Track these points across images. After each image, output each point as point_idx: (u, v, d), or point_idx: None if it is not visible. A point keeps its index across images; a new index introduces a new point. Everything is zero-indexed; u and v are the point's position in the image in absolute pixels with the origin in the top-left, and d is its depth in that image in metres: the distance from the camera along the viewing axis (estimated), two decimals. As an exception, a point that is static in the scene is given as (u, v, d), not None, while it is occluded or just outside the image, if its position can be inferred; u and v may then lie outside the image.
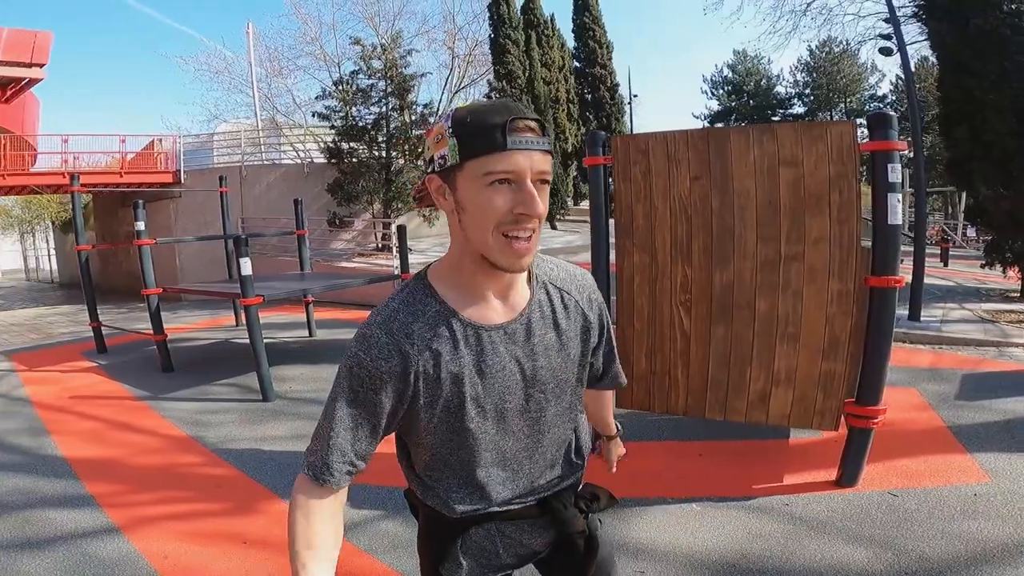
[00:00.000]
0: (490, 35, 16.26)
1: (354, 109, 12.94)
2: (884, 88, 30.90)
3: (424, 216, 13.65)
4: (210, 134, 17.33)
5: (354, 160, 12.99)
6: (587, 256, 3.30)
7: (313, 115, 14.17)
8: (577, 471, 1.07)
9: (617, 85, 21.97)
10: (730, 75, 34.73)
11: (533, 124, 0.79)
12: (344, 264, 11.34)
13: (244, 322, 5.73)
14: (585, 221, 4.53)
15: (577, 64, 21.45)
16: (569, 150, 17.98)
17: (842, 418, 2.82)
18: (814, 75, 32.26)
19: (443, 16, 22.51)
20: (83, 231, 7.40)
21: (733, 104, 33.94)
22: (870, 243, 2.78)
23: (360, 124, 12.96)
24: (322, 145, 13.79)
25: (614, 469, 1.33)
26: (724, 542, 2.29)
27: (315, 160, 14.37)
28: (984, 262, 7.99)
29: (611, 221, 3.17)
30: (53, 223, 23.37)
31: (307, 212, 11.95)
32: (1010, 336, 5.58)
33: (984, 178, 6.85)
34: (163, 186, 13.53)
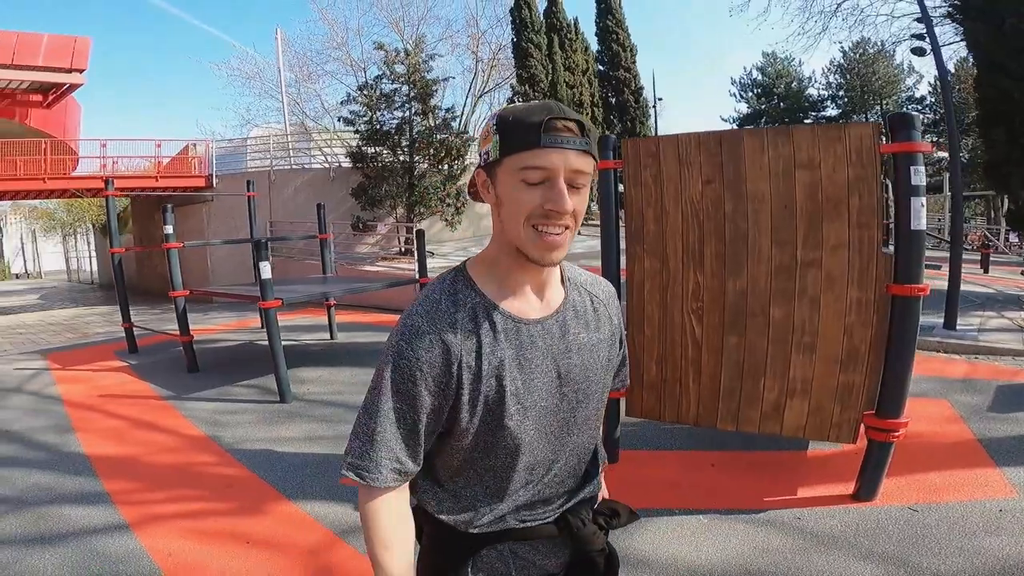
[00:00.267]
0: (512, 39, 16.33)
1: (378, 114, 13.10)
2: (923, 89, 29.97)
3: (447, 220, 13.74)
4: (243, 139, 17.77)
5: (377, 164, 13.16)
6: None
7: (338, 120, 14.41)
8: (593, 481, 1.04)
9: (641, 88, 21.81)
10: (759, 77, 34.10)
11: (571, 124, 0.80)
12: (368, 268, 11.46)
13: (267, 324, 5.82)
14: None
15: (601, 67, 21.37)
16: (593, 154, 17.90)
17: (862, 430, 2.72)
18: (848, 77, 31.45)
19: (466, 20, 22.72)
20: (117, 234, 7.61)
21: (763, 107, 33.31)
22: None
23: (384, 128, 13.12)
24: (348, 149, 13.99)
25: None
26: (728, 556, 2.22)
27: (342, 164, 14.58)
28: (1025, 268, 7.66)
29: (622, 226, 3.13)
30: (93, 226, 24.19)
31: (333, 216, 12.18)
32: (1051, 347, 5.32)
33: (1022, 182, 6.56)
34: (196, 190, 13.88)
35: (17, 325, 11.19)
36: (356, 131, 13.39)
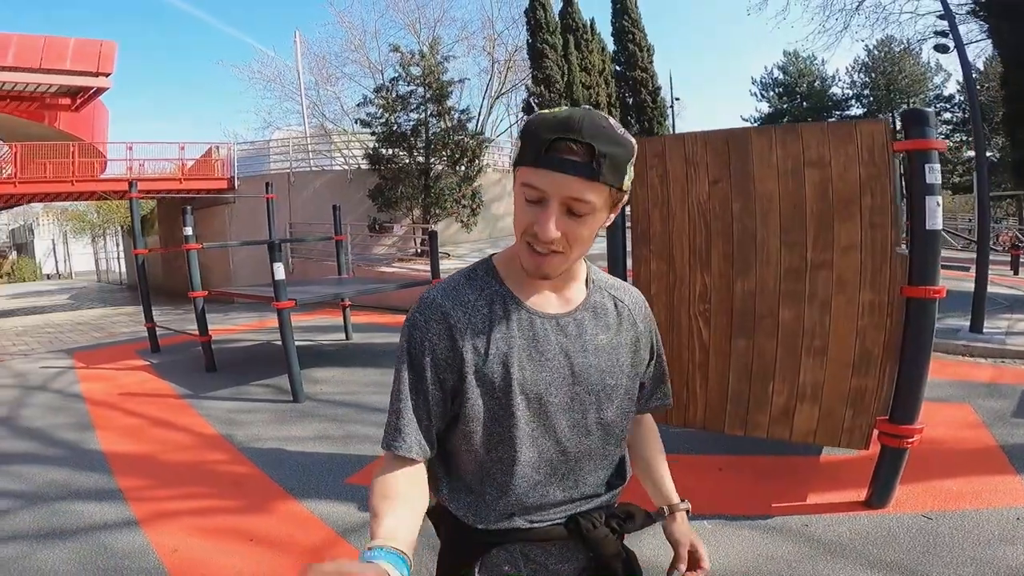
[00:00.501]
0: (527, 40, 16.31)
1: (394, 115, 13.20)
2: (951, 88, 29.24)
3: (462, 222, 13.79)
4: (265, 141, 18.05)
5: (394, 166, 13.25)
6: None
7: (356, 121, 14.54)
8: (613, 492, 1.01)
9: (659, 88, 21.64)
10: (781, 76, 33.62)
11: (578, 147, 0.76)
12: (384, 269, 11.56)
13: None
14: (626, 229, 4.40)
15: (617, 68, 21.24)
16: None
17: (875, 436, 2.65)
18: (873, 75, 30.83)
19: (482, 22, 22.79)
20: (140, 236, 7.77)
21: (785, 106, 32.82)
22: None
23: (400, 130, 13.21)
24: (365, 151, 14.12)
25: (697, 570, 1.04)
26: (731, 562, 2.18)
27: (360, 166, 14.73)
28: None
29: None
30: (121, 227, 24.79)
31: (351, 217, 12.30)
32: (1082, 351, 5.14)
33: (1050, 181, 6.34)
34: (219, 192, 14.14)
35: (46, 324, 11.52)
36: (373, 133, 13.51)
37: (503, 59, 19.19)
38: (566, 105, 14.93)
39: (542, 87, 15.32)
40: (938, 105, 28.97)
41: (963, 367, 4.90)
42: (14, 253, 37.73)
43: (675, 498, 1.07)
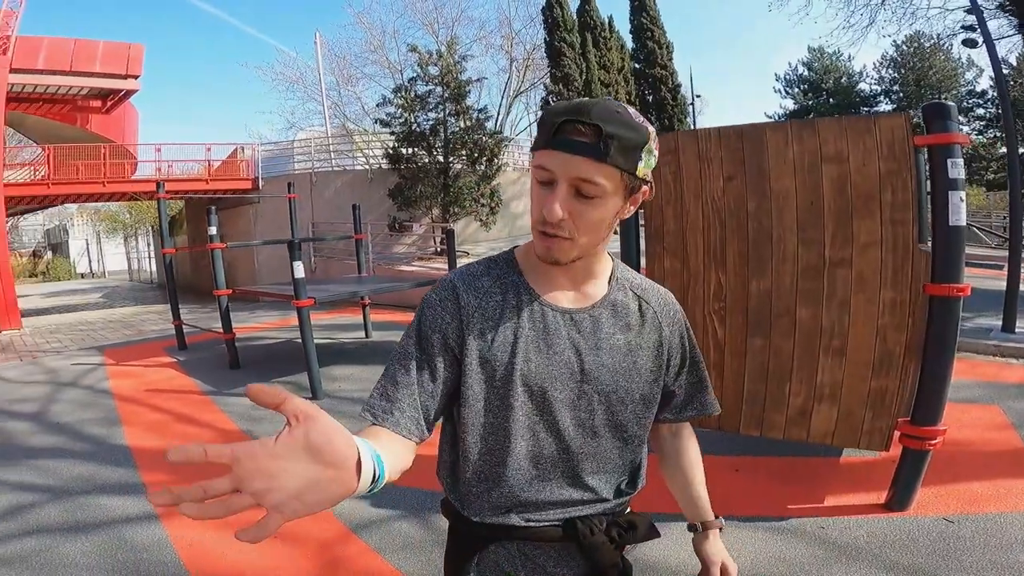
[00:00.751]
0: (545, 38, 16.26)
1: (413, 115, 13.28)
2: (983, 83, 28.33)
3: (481, 221, 13.82)
4: (289, 142, 18.31)
5: (413, 165, 13.33)
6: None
7: (375, 122, 14.68)
8: (621, 499, 0.97)
9: (679, 86, 21.38)
10: (806, 73, 32.93)
11: (585, 128, 0.76)
12: (404, 268, 11.64)
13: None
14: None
15: (636, 65, 21.04)
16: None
17: (896, 437, 2.58)
18: (902, 71, 30.05)
19: (499, 21, 22.77)
20: (167, 235, 7.95)
21: (810, 103, 32.14)
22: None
23: (419, 130, 13.29)
24: (385, 150, 14.24)
25: None
26: (742, 564, 2.09)
27: (381, 166, 14.86)
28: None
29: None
30: (152, 227, 25.41)
31: (372, 216, 12.41)
32: (1121, 351, 4.94)
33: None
34: (244, 192, 14.40)
35: (80, 322, 11.86)
36: (392, 132, 13.62)
37: (521, 58, 19.20)
38: None
39: (560, 85, 15.27)
40: (970, 101, 28.13)
41: (993, 368, 4.75)
42: (49, 253, 38.93)
43: (710, 515, 1.04)
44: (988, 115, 27.91)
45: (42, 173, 13.53)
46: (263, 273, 13.47)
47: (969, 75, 29.10)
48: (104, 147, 14.16)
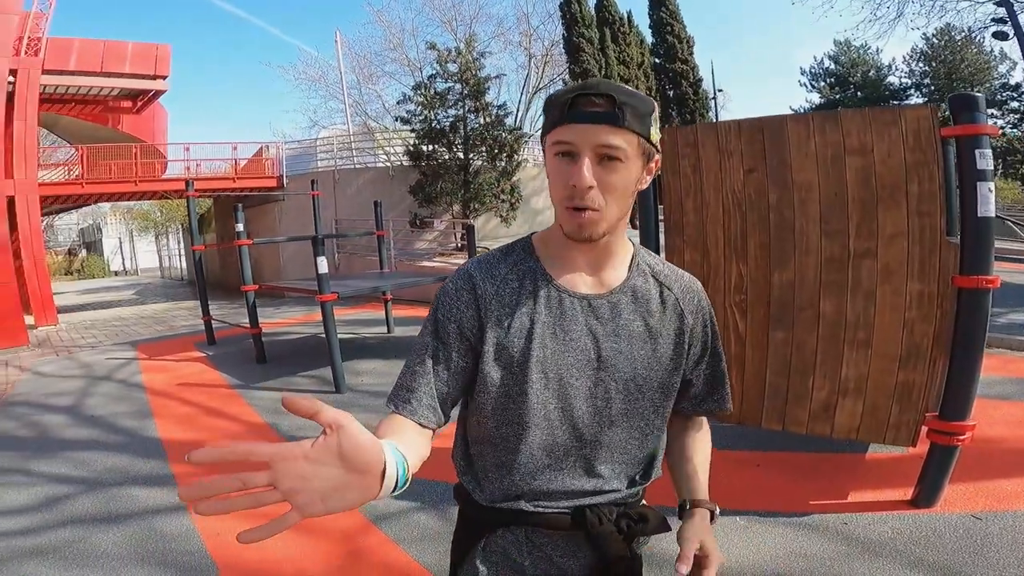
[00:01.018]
0: (563, 34, 16.18)
1: (433, 112, 13.34)
2: (1017, 76, 27.37)
3: (501, 216, 13.84)
4: (312, 140, 18.56)
5: (434, 162, 13.41)
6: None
7: (396, 119, 14.79)
8: (633, 491, 0.96)
9: (700, 80, 21.04)
10: (832, 66, 32.17)
11: (598, 99, 0.79)
12: (425, 264, 11.73)
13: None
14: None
15: (656, 60, 20.77)
16: (650, 147, 17.54)
17: (923, 433, 2.53)
18: (933, 64, 29.20)
19: (517, 17, 22.71)
20: (197, 233, 8.12)
21: (837, 96, 31.39)
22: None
23: (439, 127, 13.35)
24: (406, 147, 14.34)
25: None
26: (761, 559, 2.13)
27: (402, 163, 14.98)
28: None
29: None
30: (182, 225, 26.01)
31: (393, 213, 12.51)
32: None
33: None
34: (269, 190, 14.64)
35: (114, 318, 12.21)
36: (413, 130, 13.71)
37: (539, 54, 19.15)
38: None
39: (579, 81, 15.17)
40: (1004, 94, 27.22)
41: (1028, 362, 4.61)
42: (84, 251, 40.08)
43: (702, 495, 0.97)
44: (1023, 108, 27.03)
45: (76, 173, 13.94)
46: (288, 270, 13.70)
47: (1002, 68, 28.17)
48: (135, 147, 14.52)
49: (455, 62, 13.30)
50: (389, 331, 7.70)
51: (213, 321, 7.87)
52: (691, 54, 21.04)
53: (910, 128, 2.38)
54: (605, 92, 0.79)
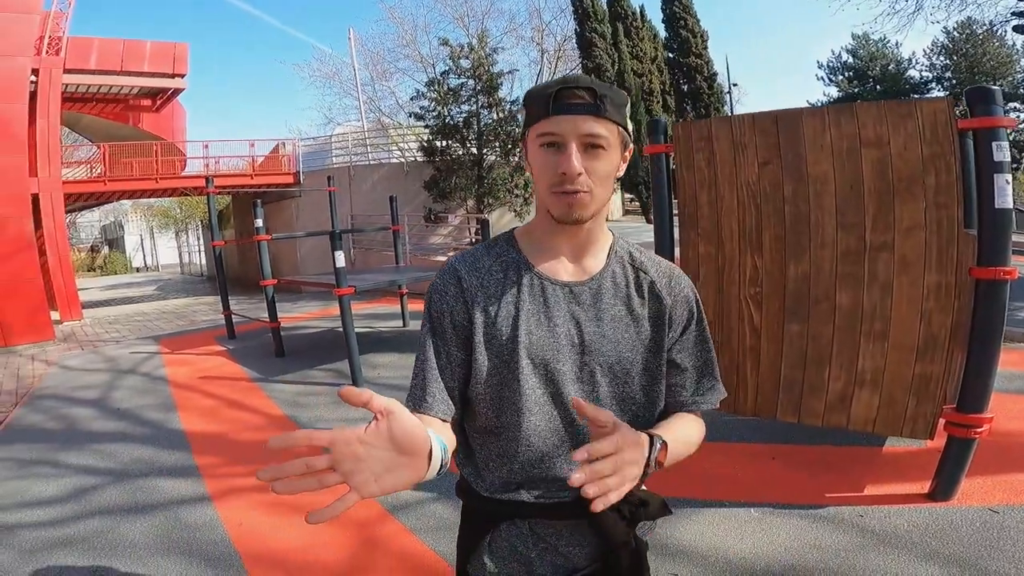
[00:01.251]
0: (576, 29, 16.11)
1: (446, 108, 13.38)
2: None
3: (515, 211, 13.85)
4: (327, 137, 18.69)
5: (448, 157, 13.45)
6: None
7: (410, 115, 14.84)
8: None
9: (715, 74, 20.85)
10: (850, 60, 31.64)
11: (581, 92, 0.84)
12: (439, 258, 11.79)
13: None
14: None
15: (670, 55, 20.60)
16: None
17: (940, 426, 2.52)
18: (954, 58, 28.60)
19: (530, 13, 22.66)
20: (217, 229, 8.21)
21: (856, 90, 30.86)
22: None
23: (452, 122, 13.38)
24: (420, 143, 14.39)
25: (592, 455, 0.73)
26: (775, 550, 2.15)
27: (416, 159, 15.04)
28: None
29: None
30: (201, 222, 26.35)
31: (408, 208, 12.58)
32: None
33: None
34: (286, 186, 14.79)
35: (136, 313, 12.44)
36: (427, 126, 13.77)
37: (552, 49, 19.09)
38: None
39: (592, 76, 15.07)
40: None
41: (1050, 356, 4.54)
42: (106, 248, 40.77)
43: (659, 432, 0.86)
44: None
45: (98, 171, 14.19)
46: (305, 265, 13.84)
47: (1024, 62, 27.58)
48: (156, 145, 14.74)
49: (468, 58, 13.32)
50: (404, 324, 7.77)
51: (233, 316, 7.99)
52: (705, 48, 20.85)
53: (927, 121, 2.37)
54: (586, 86, 0.85)
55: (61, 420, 4.66)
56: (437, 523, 2.56)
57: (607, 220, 1.06)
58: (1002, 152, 2.29)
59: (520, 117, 0.92)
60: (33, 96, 10.30)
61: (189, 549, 2.53)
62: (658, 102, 17.52)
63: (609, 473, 0.72)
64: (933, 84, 29.97)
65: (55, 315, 10.41)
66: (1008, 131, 2.37)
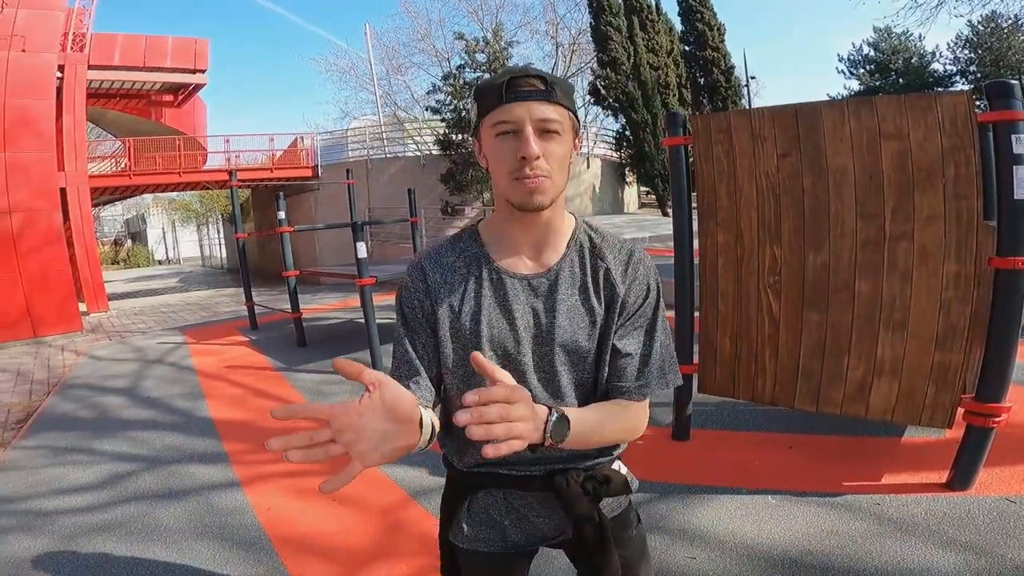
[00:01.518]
0: (591, 23, 16.01)
1: (462, 102, 13.43)
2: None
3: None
4: (344, 130, 18.84)
5: (464, 151, 13.50)
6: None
7: (426, 109, 14.93)
8: (600, 459, 1.02)
9: (732, 68, 20.57)
10: (872, 53, 31.03)
11: (531, 79, 0.88)
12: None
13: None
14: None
15: (686, 48, 20.37)
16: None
17: (959, 415, 2.54)
18: (978, 51, 27.93)
19: (544, 6, 22.50)
20: (240, 222, 8.36)
21: (878, 83, 30.27)
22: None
23: (468, 116, 13.42)
24: (436, 137, 14.45)
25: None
26: (792, 536, 2.18)
27: (432, 152, 15.11)
28: None
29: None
30: (222, 215, 26.74)
31: (425, 201, 12.67)
32: None
33: None
34: (304, 180, 14.96)
35: (161, 305, 12.71)
36: (443, 119, 13.82)
37: (567, 43, 19.00)
38: (633, 87, 14.55)
39: (608, 70, 15.03)
40: (1054, 81, 25.93)
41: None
42: (129, 241, 41.55)
43: (567, 411, 0.85)
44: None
45: (123, 165, 14.48)
46: (324, 257, 14.03)
47: (1051, 54, 26.83)
48: (179, 139, 14.98)
49: (483, 52, 13.36)
50: (423, 316, 7.85)
51: (255, 307, 8.14)
52: (722, 42, 20.61)
53: (946, 114, 2.38)
54: (535, 74, 0.89)
55: (93, 408, 4.82)
56: (458, 507, 2.63)
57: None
58: (1021, 145, 2.30)
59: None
60: (59, 92, 10.53)
61: (222, 533, 2.61)
62: (674, 95, 17.35)
63: (495, 420, 0.71)
64: (957, 77, 29.34)
65: (82, 307, 10.68)
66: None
